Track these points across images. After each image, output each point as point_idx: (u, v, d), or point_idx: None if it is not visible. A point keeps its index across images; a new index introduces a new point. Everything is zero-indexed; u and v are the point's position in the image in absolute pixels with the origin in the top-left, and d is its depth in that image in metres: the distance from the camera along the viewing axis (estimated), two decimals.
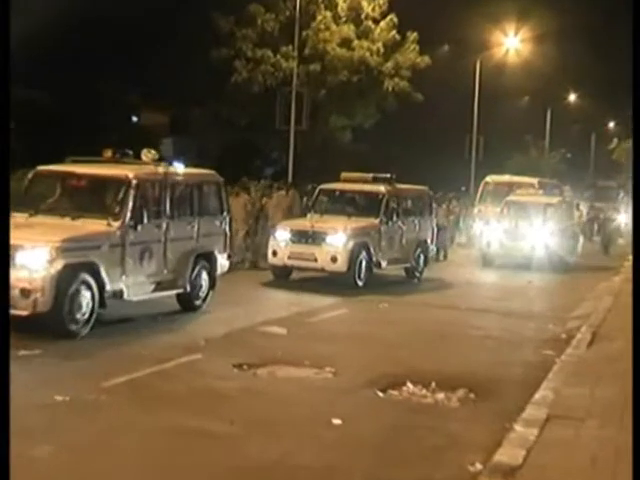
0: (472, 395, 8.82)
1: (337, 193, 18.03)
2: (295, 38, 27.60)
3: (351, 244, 15.99)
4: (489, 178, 27.63)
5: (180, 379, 8.82)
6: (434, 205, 20.06)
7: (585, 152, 60.43)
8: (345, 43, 29.99)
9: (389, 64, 30.20)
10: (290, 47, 28.59)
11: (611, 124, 59.88)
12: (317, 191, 18.05)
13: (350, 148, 34.92)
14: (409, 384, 8.97)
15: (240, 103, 29.86)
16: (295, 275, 16.96)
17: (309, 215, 17.40)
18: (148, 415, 7.54)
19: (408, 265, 18.10)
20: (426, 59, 30.80)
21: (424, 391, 8.83)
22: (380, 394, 8.71)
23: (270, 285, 16.31)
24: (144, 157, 12.19)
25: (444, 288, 17.80)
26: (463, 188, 33.22)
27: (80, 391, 8.01)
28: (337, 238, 15.96)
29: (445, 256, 23.26)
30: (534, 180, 26.73)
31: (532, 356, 10.99)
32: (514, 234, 21.53)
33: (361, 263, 16.17)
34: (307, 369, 9.60)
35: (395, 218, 17.28)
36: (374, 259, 16.66)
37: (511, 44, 41.54)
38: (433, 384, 8.99)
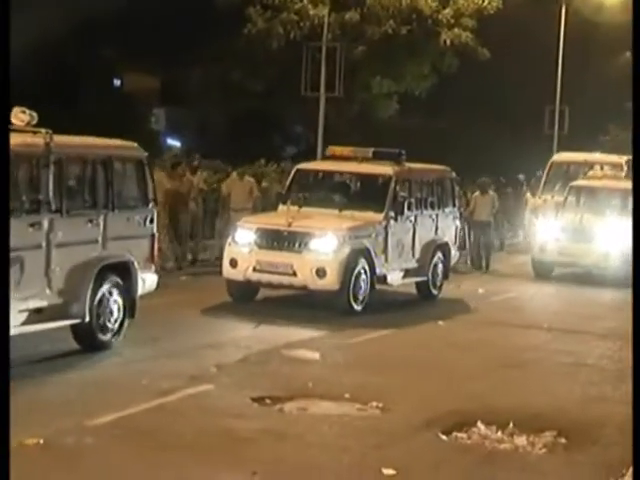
0: (563, 440, 8.81)
1: (321, 176, 17.03)
2: None
3: (346, 250, 14.64)
4: (557, 156, 27.12)
5: (185, 417, 8.88)
6: (458, 192, 18.94)
7: None
8: None
9: (447, 11, 30.16)
10: None
11: None
12: (293, 173, 16.77)
13: (396, 122, 34.88)
14: (480, 425, 8.98)
15: (254, 63, 29.98)
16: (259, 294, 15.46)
17: (282, 207, 15.92)
18: (144, 464, 7.59)
19: (424, 278, 16.80)
20: (495, 2, 30.71)
21: (500, 434, 8.83)
22: (443, 437, 8.72)
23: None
24: (15, 120, 10.56)
25: (502, 305, 17.50)
26: (539, 172, 33.07)
27: (57, 431, 8.08)
28: (326, 242, 14.64)
29: (481, 265, 21.98)
30: (621, 159, 25.52)
31: None
32: (579, 233, 20.65)
33: (359, 277, 14.85)
34: (348, 404, 9.63)
35: (407, 212, 15.98)
36: (377, 271, 15.35)
37: None
38: (511, 425, 8.98)
